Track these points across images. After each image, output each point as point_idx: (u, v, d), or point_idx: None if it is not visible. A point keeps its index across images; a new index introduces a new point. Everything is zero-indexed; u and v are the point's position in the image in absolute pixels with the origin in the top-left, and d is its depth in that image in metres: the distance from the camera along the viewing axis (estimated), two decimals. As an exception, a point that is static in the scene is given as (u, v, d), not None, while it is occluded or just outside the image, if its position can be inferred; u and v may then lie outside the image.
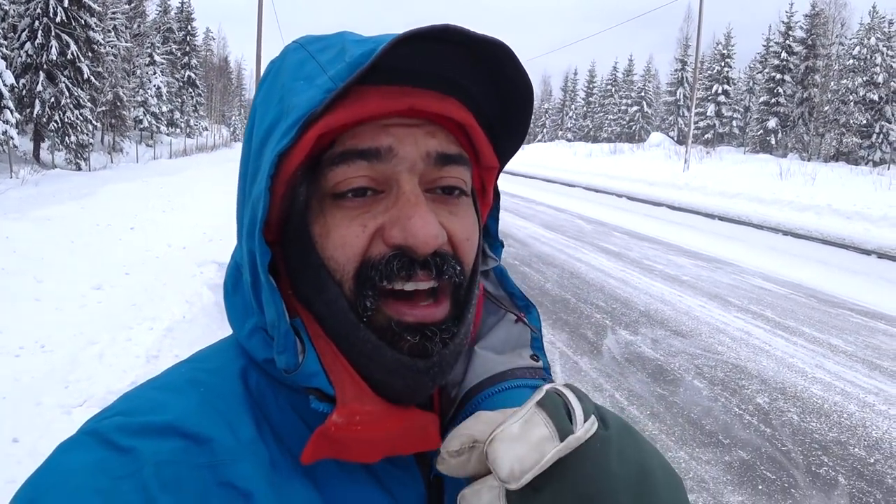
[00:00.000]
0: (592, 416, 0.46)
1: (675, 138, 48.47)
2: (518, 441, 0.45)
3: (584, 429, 0.45)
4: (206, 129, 56.82)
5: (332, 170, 0.54)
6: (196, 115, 53.12)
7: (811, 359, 5.87)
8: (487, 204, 0.68)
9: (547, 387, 0.49)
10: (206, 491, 0.48)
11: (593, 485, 0.43)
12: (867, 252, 11.68)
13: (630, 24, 50.26)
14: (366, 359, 0.54)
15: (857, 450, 4.16)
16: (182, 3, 53.33)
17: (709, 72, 49.57)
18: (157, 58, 38.54)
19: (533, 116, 0.62)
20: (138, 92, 35.12)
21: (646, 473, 0.45)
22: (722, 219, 15.87)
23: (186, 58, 51.12)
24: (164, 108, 39.80)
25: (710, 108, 48.68)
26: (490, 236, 0.70)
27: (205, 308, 6.11)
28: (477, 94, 0.60)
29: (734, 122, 48.72)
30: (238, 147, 58.38)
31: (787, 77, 42.90)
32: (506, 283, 0.71)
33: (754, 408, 4.72)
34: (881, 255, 11.41)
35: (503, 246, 0.72)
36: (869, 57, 36.99)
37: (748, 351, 6.00)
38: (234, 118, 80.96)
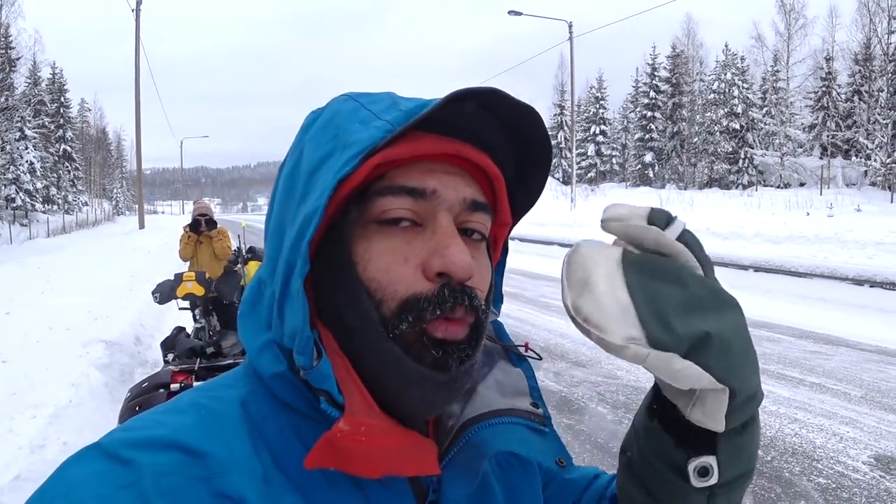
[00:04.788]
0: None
1: (561, 179, 50.25)
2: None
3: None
4: (87, 203, 54.25)
5: (379, 199, 0.59)
6: (74, 189, 50.71)
7: (704, 373, 6.13)
8: (495, 259, 0.72)
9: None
10: (202, 502, 0.50)
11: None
12: (744, 267, 12.54)
13: (509, 74, 52.31)
14: (387, 369, 0.57)
15: (753, 453, 4.37)
16: (53, 75, 51.33)
17: (585, 114, 52.22)
18: (28, 132, 36.79)
19: None
20: (9, 169, 33.29)
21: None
22: (612, 250, 16.56)
23: (61, 130, 49.01)
24: (39, 185, 37.88)
25: (591, 148, 51.15)
26: (493, 290, 0.71)
27: (93, 390, 5.72)
28: (499, 153, 0.67)
29: (614, 160, 51.34)
30: (121, 220, 56.04)
31: (657, 114, 45.87)
32: (502, 336, 0.75)
33: (657, 425, 4.87)
34: (757, 269, 12.26)
35: (503, 301, 0.75)
36: (727, 90, 40.17)
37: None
38: (115, 191, 77.49)
